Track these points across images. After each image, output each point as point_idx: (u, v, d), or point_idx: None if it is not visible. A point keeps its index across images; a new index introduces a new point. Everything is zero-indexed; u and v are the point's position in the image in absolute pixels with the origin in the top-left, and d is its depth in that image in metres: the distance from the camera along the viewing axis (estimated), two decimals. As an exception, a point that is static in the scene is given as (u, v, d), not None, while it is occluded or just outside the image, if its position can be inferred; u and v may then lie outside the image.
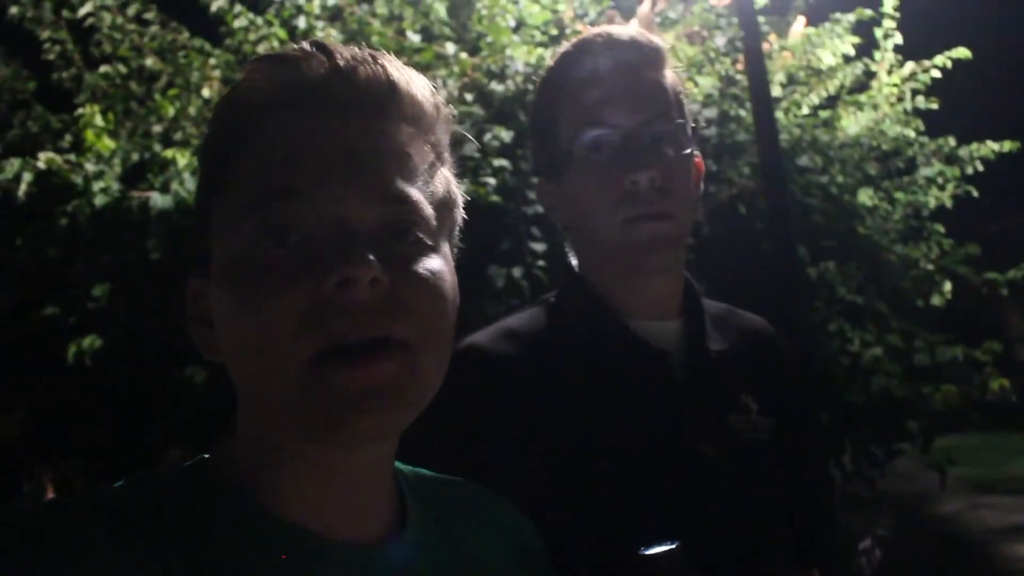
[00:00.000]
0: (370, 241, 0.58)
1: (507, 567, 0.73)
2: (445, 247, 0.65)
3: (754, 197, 3.26)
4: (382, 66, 0.63)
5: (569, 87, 1.07)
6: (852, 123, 4.07)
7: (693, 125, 1.10)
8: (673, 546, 0.78)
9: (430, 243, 0.62)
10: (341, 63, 0.62)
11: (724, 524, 1.00)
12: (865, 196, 3.83)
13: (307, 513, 0.60)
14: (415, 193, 0.61)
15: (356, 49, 0.63)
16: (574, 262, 1.14)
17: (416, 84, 0.64)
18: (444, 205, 0.66)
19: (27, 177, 2.73)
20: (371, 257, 0.56)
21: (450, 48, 3.25)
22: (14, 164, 2.75)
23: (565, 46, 1.12)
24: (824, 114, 4.05)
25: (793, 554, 1.12)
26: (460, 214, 0.70)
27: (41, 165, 2.75)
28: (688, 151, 1.07)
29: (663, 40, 1.12)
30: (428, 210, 0.62)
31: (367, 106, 0.62)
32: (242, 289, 0.58)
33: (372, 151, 0.60)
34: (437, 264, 0.62)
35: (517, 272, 2.69)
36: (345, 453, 0.60)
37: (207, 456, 0.64)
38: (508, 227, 2.83)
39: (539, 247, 2.76)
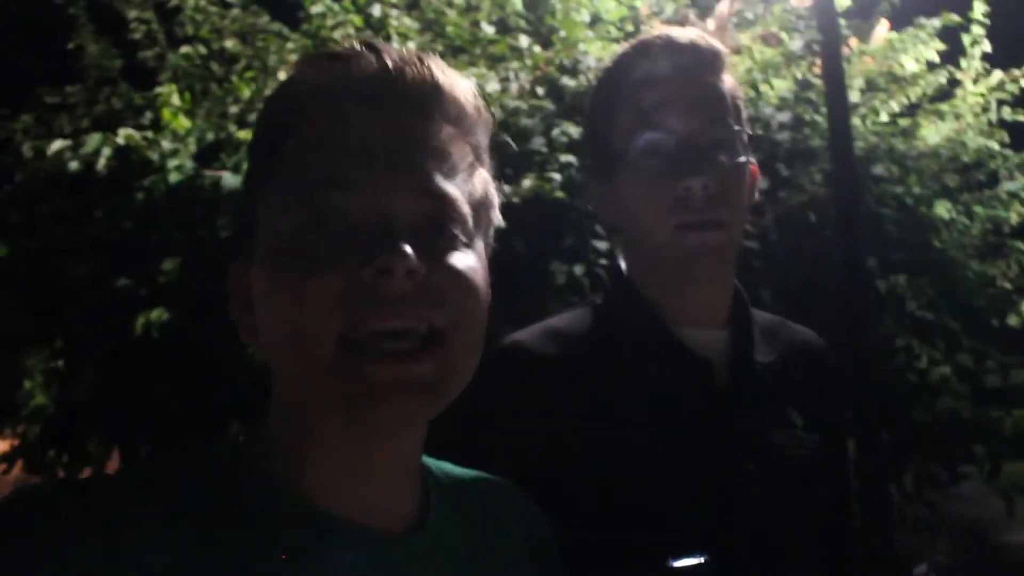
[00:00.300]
0: (409, 233, 0.60)
1: (520, 561, 0.74)
2: (480, 245, 0.68)
3: (825, 205, 3.19)
4: (428, 68, 0.66)
5: (626, 89, 1.06)
6: (932, 133, 3.93)
7: (750, 133, 1.09)
8: (702, 560, 0.77)
9: (465, 240, 0.64)
10: (389, 63, 0.64)
11: (760, 541, 0.98)
12: (942, 209, 3.70)
13: (333, 499, 0.62)
14: (454, 190, 0.64)
15: (404, 50, 0.66)
16: (623, 264, 1.13)
17: (459, 87, 0.67)
18: (481, 204, 0.68)
19: (106, 152, 2.81)
20: (409, 249, 0.58)
21: (524, 41, 3.25)
22: (95, 139, 2.84)
23: (624, 47, 1.11)
24: (903, 122, 3.92)
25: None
26: (496, 215, 0.72)
27: (120, 141, 2.84)
28: (743, 159, 1.06)
29: (733, 41, 1.11)
30: (465, 208, 0.64)
31: (412, 105, 0.64)
32: (282, 271, 0.60)
33: (415, 148, 0.63)
34: (472, 260, 0.64)
35: (579, 270, 2.67)
36: (373, 439, 0.62)
37: (240, 438, 0.67)
38: (572, 223, 2.82)
39: (602, 245, 2.74)
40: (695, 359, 1.04)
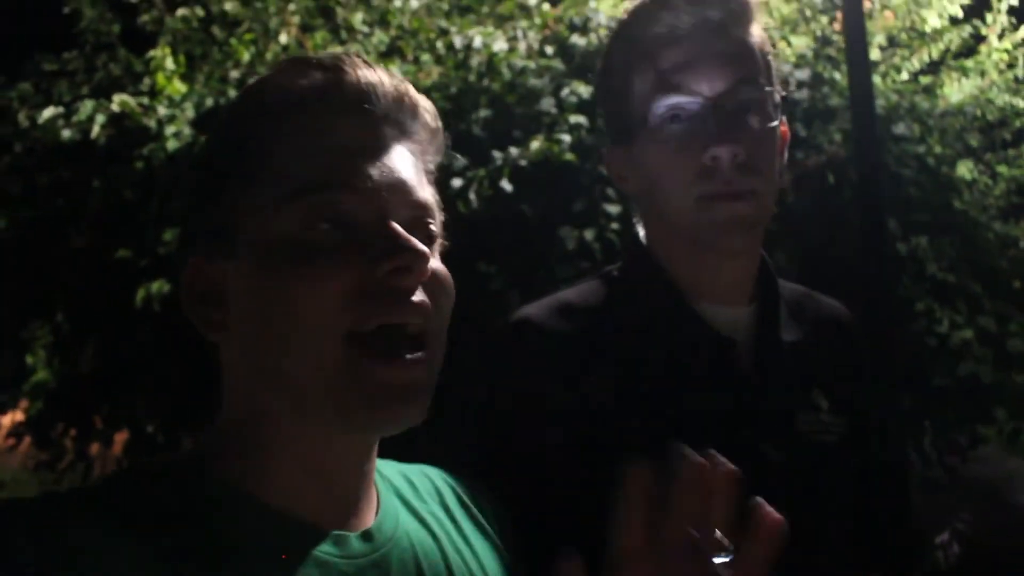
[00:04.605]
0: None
1: (471, 530, 0.78)
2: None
3: (844, 166, 3.09)
4: (404, 84, 0.71)
5: (644, 45, 0.96)
6: (955, 90, 3.81)
7: (783, 93, 0.99)
8: (729, 559, 0.72)
9: (438, 246, 0.71)
10: (374, 78, 0.69)
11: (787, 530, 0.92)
12: (964, 169, 3.61)
13: (296, 501, 0.64)
14: (432, 199, 0.70)
15: (381, 67, 0.71)
16: (642, 234, 1.05)
17: (427, 107, 0.73)
18: (439, 211, 0.73)
19: (100, 119, 2.74)
20: (426, 248, 0.62)
21: (532, -2, 3.14)
22: (87, 106, 2.76)
23: None
24: (925, 80, 3.81)
25: (856, 560, 1.04)
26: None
27: (114, 108, 2.76)
28: (775, 123, 0.96)
29: None
30: (440, 215, 0.71)
31: (393, 118, 0.70)
32: (283, 269, 0.61)
33: (398, 157, 0.69)
34: (442, 265, 0.69)
35: (589, 234, 2.59)
36: (366, 436, 0.66)
37: (191, 449, 0.68)
38: (582, 187, 2.73)
39: (614, 209, 2.65)
40: (718, 339, 0.96)
